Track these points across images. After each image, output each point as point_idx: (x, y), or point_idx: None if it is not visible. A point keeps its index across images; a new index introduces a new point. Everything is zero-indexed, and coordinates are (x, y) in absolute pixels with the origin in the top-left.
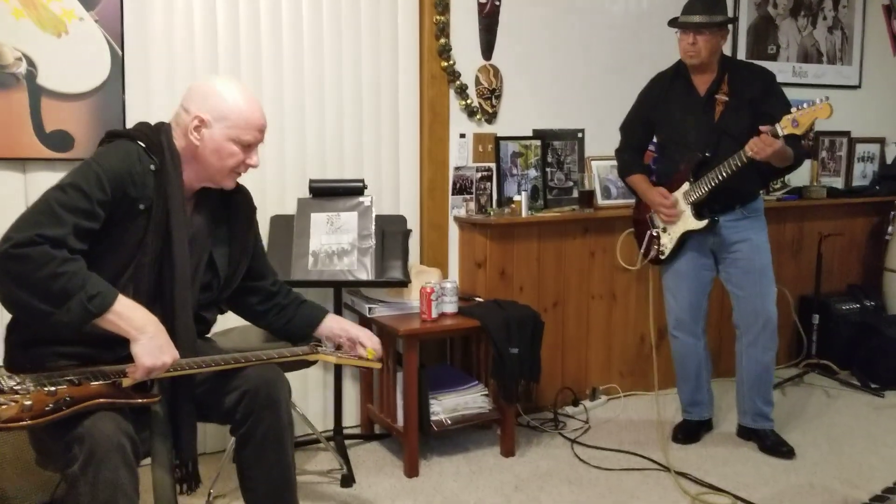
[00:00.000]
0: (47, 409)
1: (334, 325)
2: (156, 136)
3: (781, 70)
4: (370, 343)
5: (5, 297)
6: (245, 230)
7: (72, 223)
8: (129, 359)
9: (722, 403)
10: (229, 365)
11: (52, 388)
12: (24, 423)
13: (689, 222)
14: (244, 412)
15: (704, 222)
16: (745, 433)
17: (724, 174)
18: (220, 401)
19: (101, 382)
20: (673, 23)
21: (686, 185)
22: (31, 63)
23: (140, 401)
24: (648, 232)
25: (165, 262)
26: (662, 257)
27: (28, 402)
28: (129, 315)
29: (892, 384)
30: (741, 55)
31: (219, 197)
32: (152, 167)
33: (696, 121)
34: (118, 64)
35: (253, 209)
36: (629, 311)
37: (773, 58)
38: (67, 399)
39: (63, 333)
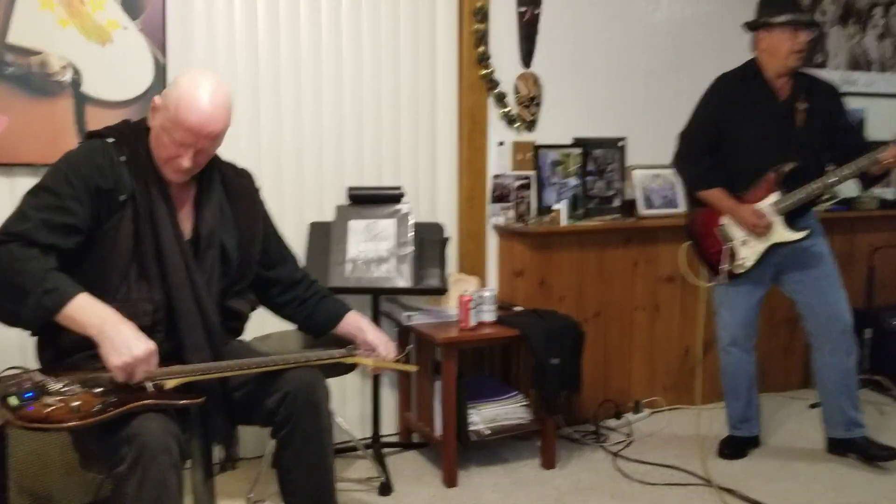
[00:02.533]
0: (95, 409)
1: (353, 323)
2: (128, 130)
3: (830, 79)
4: (384, 351)
5: None
6: (249, 214)
7: (38, 218)
8: (167, 361)
9: (768, 420)
10: (264, 367)
11: (99, 390)
12: (73, 423)
13: (782, 234)
14: (285, 414)
15: (802, 234)
16: (839, 446)
17: (831, 183)
18: (262, 402)
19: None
20: (787, 20)
21: (775, 195)
22: (76, 71)
23: (183, 402)
24: (727, 246)
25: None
26: (741, 272)
27: (76, 403)
28: (83, 313)
29: None
30: None
31: (220, 183)
32: (122, 158)
33: (777, 127)
34: (161, 72)
35: (254, 191)
36: (672, 324)
37: (822, 66)
38: (114, 400)
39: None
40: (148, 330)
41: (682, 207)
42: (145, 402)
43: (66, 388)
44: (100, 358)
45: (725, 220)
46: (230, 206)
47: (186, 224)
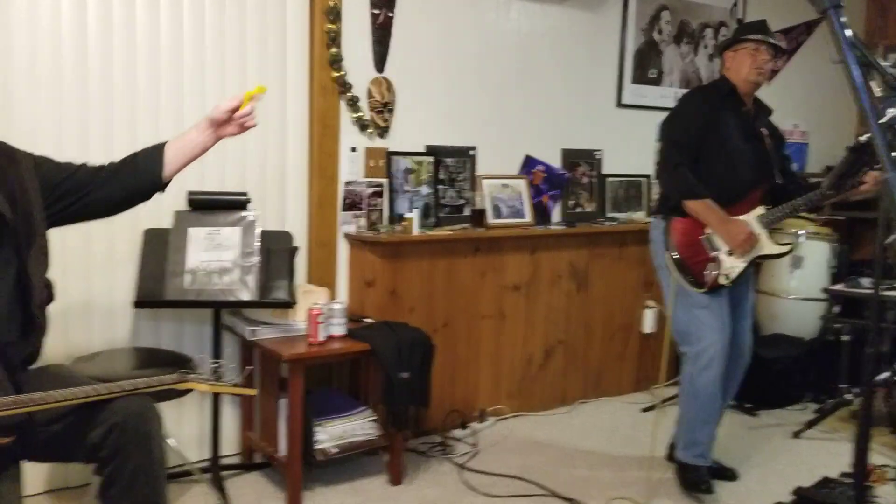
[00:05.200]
0: None
1: (180, 142)
2: None
3: (664, 95)
4: (223, 106)
5: None
6: (11, 170)
7: None
8: None
9: (606, 424)
10: (86, 398)
11: None
12: None
13: (768, 247)
14: (112, 448)
15: (786, 247)
16: None
17: (810, 202)
18: (84, 436)
19: None
20: (752, 36)
21: (759, 210)
22: None
23: None
24: (716, 255)
25: None
26: (726, 282)
27: None
28: None
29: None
30: (627, 78)
31: None
32: None
33: (751, 144)
34: None
35: (11, 149)
36: (517, 331)
37: (657, 82)
38: None
39: None
40: None
41: (528, 218)
42: None
43: None
44: None
45: (710, 230)
46: None
47: None
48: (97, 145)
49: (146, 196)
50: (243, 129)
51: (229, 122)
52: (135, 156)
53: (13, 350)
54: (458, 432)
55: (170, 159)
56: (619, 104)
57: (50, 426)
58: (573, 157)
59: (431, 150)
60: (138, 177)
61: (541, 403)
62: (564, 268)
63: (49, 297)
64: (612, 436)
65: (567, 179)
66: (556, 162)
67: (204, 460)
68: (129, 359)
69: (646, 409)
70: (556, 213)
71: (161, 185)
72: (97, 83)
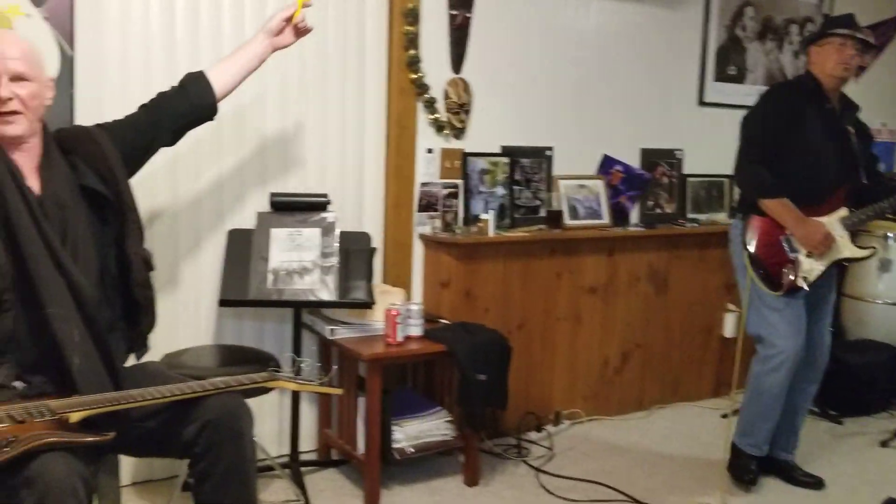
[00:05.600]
0: None
1: (232, 61)
2: None
3: (747, 93)
4: (279, 15)
5: None
6: (94, 150)
7: None
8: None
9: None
10: (180, 395)
11: None
12: None
13: (849, 250)
14: (205, 445)
15: (868, 251)
16: (766, 464)
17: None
18: (179, 433)
19: (47, 419)
20: (838, 31)
21: (842, 211)
22: None
23: (91, 439)
24: (795, 256)
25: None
26: (804, 285)
27: None
28: None
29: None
30: (709, 76)
31: (56, 144)
32: None
33: (835, 142)
34: (68, 65)
35: (87, 128)
36: (594, 334)
37: (739, 80)
38: (11, 439)
39: None
40: None
41: (605, 219)
42: (48, 440)
43: None
44: None
45: (789, 231)
46: (74, 155)
47: (35, 191)
48: (184, 140)
49: (202, 122)
50: (299, 34)
51: (284, 31)
52: (182, 87)
53: (119, 337)
54: (533, 435)
55: (222, 80)
56: (701, 102)
57: (146, 422)
58: (652, 157)
59: (507, 151)
60: (193, 106)
61: (617, 407)
62: (643, 270)
63: (149, 271)
64: (691, 442)
65: (646, 180)
66: (634, 162)
67: (282, 456)
68: (215, 356)
69: (725, 416)
70: (634, 215)
71: (216, 109)
72: None
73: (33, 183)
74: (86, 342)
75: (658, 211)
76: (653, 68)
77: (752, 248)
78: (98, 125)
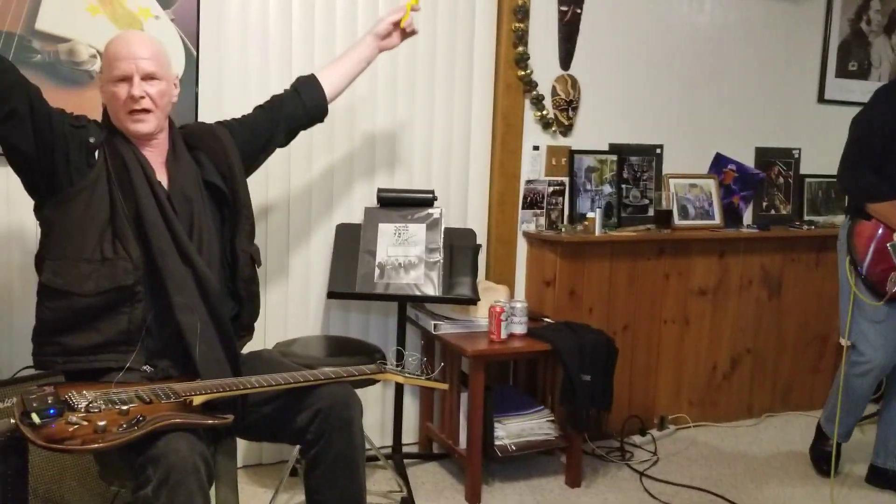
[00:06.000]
0: (121, 428)
1: (340, 64)
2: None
3: (872, 90)
4: (388, 19)
5: None
6: (218, 147)
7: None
8: (187, 373)
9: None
10: (294, 383)
11: (125, 408)
12: (98, 445)
13: None
14: (317, 432)
15: None
16: (881, 477)
17: None
18: (292, 420)
19: (172, 401)
20: None
21: None
22: None
23: (212, 421)
24: None
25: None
26: None
27: (102, 423)
28: None
29: None
30: (830, 72)
31: (182, 140)
32: (93, 140)
33: None
34: (193, 64)
35: (211, 126)
36: (702, 338)
37: (863, 76)
38: (140, 418)
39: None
40: (128, 290)
41: (717, 219)
42: (173, 421)
43: (90, 406)
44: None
45: None
46: (198, 150)
47: (164, 184)
48: (297, 138)
49: (314, 124)
50: (406, 36)
51: (391, 34)
52: (294, 88)
53: (232, 326)
54: (636, 438)
55: (332, 81)
56: (821, 100)
57: (261, 408)
58: (768, 156)
59: (615, 149)
60: (306, 109)
61: (725, 414)
62: (756, 273)
63: (254, 269)
64: (802, 453)
65: (761, 179)
66: (748, 161)
67: (385, 447)
68: (323, 346)
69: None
70: (747, 216)
71: (327, 111)
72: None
73: (161, 177)
74: (209, 330)
75: (773, 212)
76: (770, 64)
77: (856, 254)
78: (220, 122)
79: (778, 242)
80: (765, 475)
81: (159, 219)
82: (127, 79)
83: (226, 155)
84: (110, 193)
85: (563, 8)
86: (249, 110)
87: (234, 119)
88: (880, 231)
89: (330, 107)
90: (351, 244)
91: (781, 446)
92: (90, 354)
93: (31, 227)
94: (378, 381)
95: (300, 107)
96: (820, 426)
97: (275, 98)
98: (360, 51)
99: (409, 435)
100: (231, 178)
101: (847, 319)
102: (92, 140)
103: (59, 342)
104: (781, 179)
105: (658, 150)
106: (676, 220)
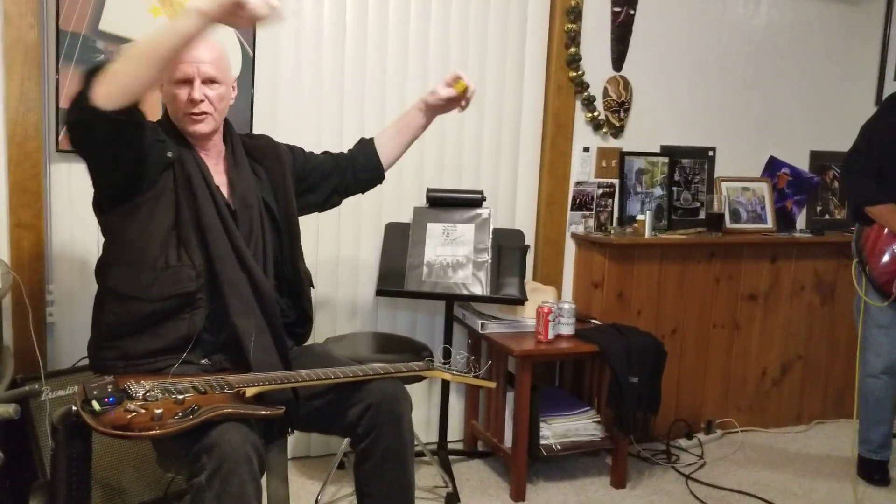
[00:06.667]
0: (176, 417)
1: (396, 131)
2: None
3: None
4: (448, 85)
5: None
6: (277, 169)
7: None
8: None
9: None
10: (346, 378)
11: (181, 397)
12: (155, 432)
13: None
14: (367, 426)
15: None
16: None
17: None
18: (344, 413)
19: (225, 392)
20: None
21: None
22: None
23: (265, 412)
24: None
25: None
26: None
27: (158, 411)
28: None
29: None
30: (889, 75)
31: (242, 147)
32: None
33: None
34: (249, 65)
35: (275, 144)
36: (751, 343)
37: None
38: (195, 408)
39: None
40: (191, 296)
41: (769, 223)
42: (227, 411)
43: (147, 395)
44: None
45: None
46: (259, 165)
47: (222, 189)
48: (346, 130)
49: (368, 189)
50: (463, 108)
51: (446, 106)
52: (352, 154)
53: (287, 332)
54: (682, 442)
55: (388, 151)
56: (879, 103)
57: (312, 401)
58: (823, 160)
59: (667, 151)
60: (359, 182)
61: (774, 420)
62: (808, 279)
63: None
64: (853, 461)
65: (815, 184)
66: (803, 164)
67: (431, 443)
68: (372, 342)
69: (894, 435)
70: (801, 220)
71: (383, 177)
72: (351, 87)
73: (220, 181)
74: (263, 334)
75: (827, 217)
76: (826, 66)
77: (864, 257)
78: (289, 146)
79: (832, 248)
80: (813, 482)
81: (219, 224)
82: (188, 81)
83: (284, 178)
84: (175, 201)
85: (617, 9)
86: (301, 111)
87: (301, 148)
88: (885, 233)
89: (386, 100)
90: (400, 243)
91: (831, 454)
92: (150, 357)
93: (93, 228)
94: (426, 377)
95: (354, 181)
96: (859, 455)
97: (342, 157)
98: (418, 121)
99: (455, 432)
100: (285, 202)
101: (858, 323)
102: (170, 154)
103: (120, 346)
104: (836, 184)
105: (710, 153)
106: (728, 224)
